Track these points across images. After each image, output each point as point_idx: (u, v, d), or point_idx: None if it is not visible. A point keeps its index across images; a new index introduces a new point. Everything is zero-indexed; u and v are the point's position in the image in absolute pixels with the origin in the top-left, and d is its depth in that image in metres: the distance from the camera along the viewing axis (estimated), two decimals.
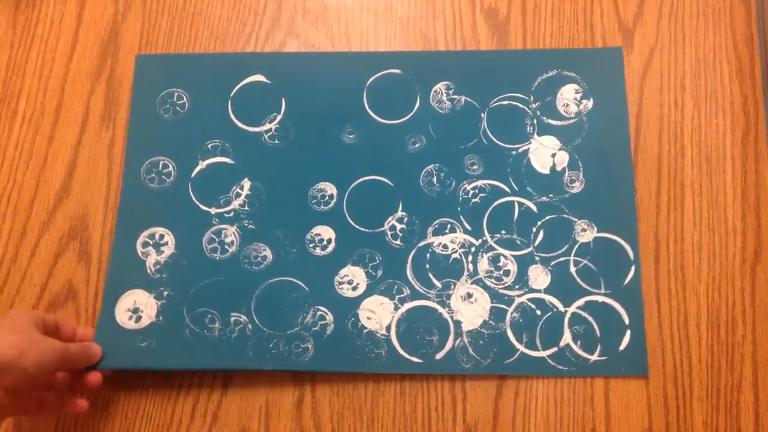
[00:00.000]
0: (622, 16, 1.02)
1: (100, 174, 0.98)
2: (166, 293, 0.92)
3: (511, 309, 0.91)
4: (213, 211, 0.96)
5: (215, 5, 1.04)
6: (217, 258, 0.94)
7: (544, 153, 0.97)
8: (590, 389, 0.89)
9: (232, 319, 0.91)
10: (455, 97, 0.99)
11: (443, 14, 1.03)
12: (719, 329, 0.90)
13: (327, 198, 0.96)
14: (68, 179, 0.97)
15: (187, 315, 0.91)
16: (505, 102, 0.99)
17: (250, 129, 0.99)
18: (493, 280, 0.92)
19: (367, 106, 0.99)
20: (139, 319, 0.91)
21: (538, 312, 0.91)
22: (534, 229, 0.94)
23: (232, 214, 0.96)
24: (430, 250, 0.94)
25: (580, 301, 0.91)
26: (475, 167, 0.96)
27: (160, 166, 0.98)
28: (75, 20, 1.04)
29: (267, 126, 0.99)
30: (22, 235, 0.95)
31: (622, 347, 0.89)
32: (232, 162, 0.98)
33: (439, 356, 0.90)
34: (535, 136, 0.97)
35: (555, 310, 0.91)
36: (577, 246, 0.93)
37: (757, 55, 1.00)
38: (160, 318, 0.91)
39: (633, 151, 0.96)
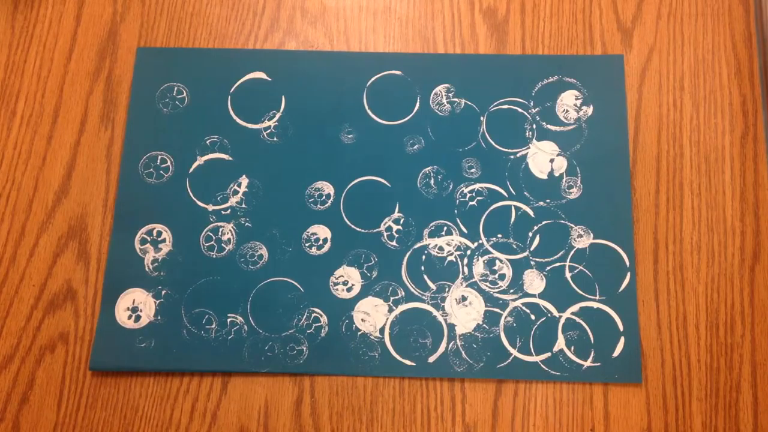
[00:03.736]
0: (620, 16, 1.02)
1: (99, 174, 0.97)
2: (164, 292, 0.92)
3: (505, 313, 0.91)
4: (210, 208, 0.96)
5: (214, 5, 1.04)
6: (214, 256, 0.94)
7: (543, 158, 0.97)
8: (589, 389, 0.89)
9: (228, 320, 0.91)
10: (455, 99, 0.99)
11: (442, 14, 1.03)
12: (718, 329, 0.90)
13: (324, 197, 0.96)
14: (67, 179, 0.97)
15: (185, 315, 0.91)
16: (505, 106, 0.99)
17: (249, 126, 0.99)
18: (488, 283, 0.92)
19: (366, 106, 0.99)
20: (138, 318, 0.91)
21: (533, 317, 0.91)
22: (530, 234, 0.94)
23: (229, 211, 0.96)
24: (425, 251, 0.94)
25: (575, 307, 0.91)
26: (473, 170, 0.96)
27: (158, 161, 0.98)
28: (73, 20, 1.04)
29: (266, 123, 0.99)
30: (21, 236, 0.95)
31: (615, 354, 0.89)
32: (230, 159, 0.98)
33: (432, 359, 0.90)
34: (534, 141, 0.97)
35: (549, 315, 0.91)
36: (573, 252, 0.93)
37: (755, 56, 1.00)
38: (159, 317, 0.91)
39: (632, 151, 0.96)
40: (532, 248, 0.93)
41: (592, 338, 0.90)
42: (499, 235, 0.94)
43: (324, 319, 0.91)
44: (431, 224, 0.94)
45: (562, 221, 0.94)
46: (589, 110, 0.98)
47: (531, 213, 0.94)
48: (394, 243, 0.94)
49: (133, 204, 0.96)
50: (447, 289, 0.92)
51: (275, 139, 0.98)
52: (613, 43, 1.01)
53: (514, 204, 0.95)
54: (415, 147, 0.97)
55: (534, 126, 0.98)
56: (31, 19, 1.04)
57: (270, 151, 0.98)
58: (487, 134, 0.97)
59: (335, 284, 0.93)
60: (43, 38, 1.03)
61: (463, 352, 0.90)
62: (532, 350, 0.90)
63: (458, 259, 0.93)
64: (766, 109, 0.98)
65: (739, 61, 1.00)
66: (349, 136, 0.98)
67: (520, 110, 0.98)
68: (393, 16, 1.04)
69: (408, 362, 0.90)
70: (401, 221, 0.95)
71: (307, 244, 0.94)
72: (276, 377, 0.90)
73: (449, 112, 0.99)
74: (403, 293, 0.92)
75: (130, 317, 0.91)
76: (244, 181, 0.97)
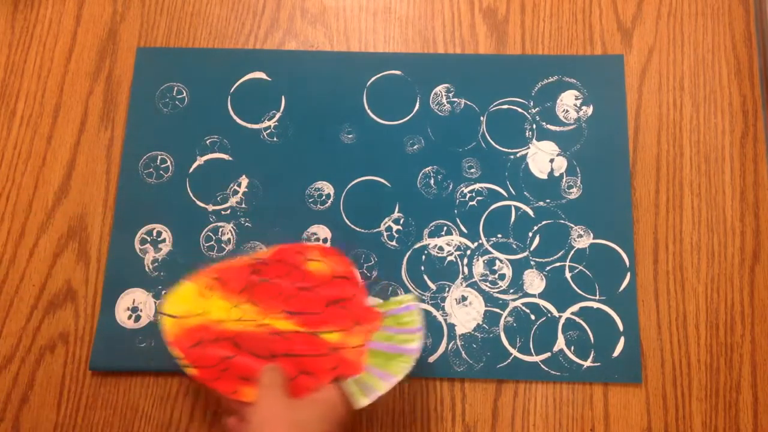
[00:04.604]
0: (620, 16, 1.02)
1: (99, 174, 0.97)
2: (164, 292, 0.92)
3: (505, 313, 0.91)
4: (210, 208, 0.96)
5: (214, 5, 1.04)
6: (214, 256, 0.94)
7: (543, 158, 0.97)
8: (589, 389, 0.89)
9: None
10: (455, 99, 0.99)
11: (442, 14, 1.03)
12: (718, 329, 0.90)
13: (324, 197, 0.96)
14: (67, 179, 0.97)
15: None
16: (505, 106, 0.99)
17: (249, 126, 0.99)
18: (487, 283, 0.92)
19: (366, 106, 0.99)
20: (138, 318, 0.91)
21: (533, 317, 0.91)
22: (530, 234, 0.94)
23: (228, 211, 0.96)
24: (425, 251, 0.94)
25: (575, 307, 0.91)
26: (472, 170, 0.96)
27: (158, 161, 0.98)
28: (73, 21, 1.04)
29: (266, 123, 0.99)
30: (21, 236, 0.95)
31: (615, 354, 0.89)
32: (230, 159, 0.98)
33: (432, 359, 0.90)
34: (534, 141, 0.97)
35: (549, 315, 0.91)
36: (573, 252, 0.93)
37: (755, 55, 1.00)
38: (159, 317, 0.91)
39: (632, 151, 0.96)
40: (532, 248, 0.93)
41: (592, 338, 0.90)
42: (499, 235, 0.94)
43: None
44: (431, 224, 0.94)
45: (562, 221, 0.94)
46: (589, 110, 0.98)
47: (531, 213, 0.94)
48: (394, 243, 0.94)
49: (133, 204, 0.96)
50: (447, 289, 0.92)
51: (275, 139, 0.98)
52: (613, 43, 1.01)
53: (514, 204, 0.95)
54: (415, 147, 0.97)
55: (534, 126, 0.98)
56: (31, 19, 1.04)
57: (270, 151, 0.98)
58: (487, 134, 0.97)
59: None
60: (43, 38, 1.03)
61: (463, 352, 0.90)
62: (532, 350, 0.90)
63: (458, 259, 0.93)
64: (766, 109, 0.98)
65: (739, 60, 1.00)
66: (349, 136, 0.98)
67: (520, 110, 0.98)
68: (393, 16, 1.04)
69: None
70: (401, 221, 0.94)
71: None
72: None
73: (449, 112, 0.99)
74: (403, 293, 0.92)
75: (130, 317, 0.91)
76: (244, 181, 0.97)
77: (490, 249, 0.93)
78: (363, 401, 0.79)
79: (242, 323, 0.84)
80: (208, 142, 0.98)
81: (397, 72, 1.00)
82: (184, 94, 1.00)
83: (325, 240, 0.94)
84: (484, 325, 0.91)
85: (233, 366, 0.81)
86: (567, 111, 0.98)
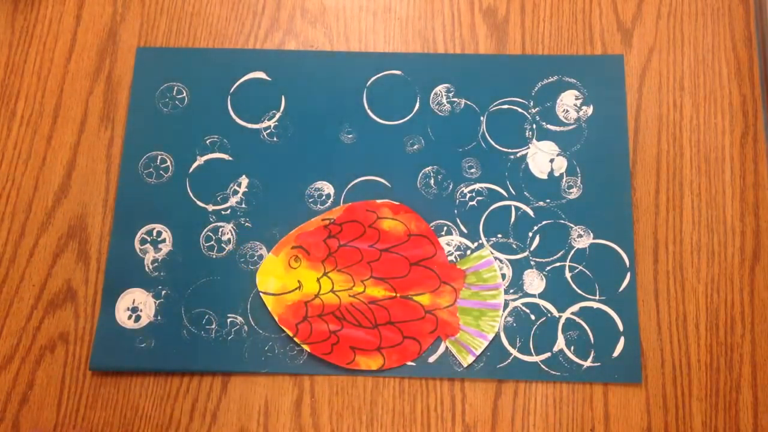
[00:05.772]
0: (620, 16, 1.02)
1: (99, 174, 0.97)
2: (164, 292, 0.92)
3: (505, 313, 0.91)
4: (210, 208, 0.96)
5: (214, 5, 1.04)
6: (214, 256, 0.94)
7: (543, 158, 0.96)
8: (589, 389, 0.89)
9: (228, 320, 0.91)
10: (455, 99, 0.99)
11: (442, 14, 1.03)
12: (718, 329, 0.90)
13: (324, 197, 0.96)
14: (67, 179, 0.97)
15: (185, 315, 0.91)
16: (505, 106, 0.98)
17: (249, 126, 0.99)
18: None
19: (366, 106, 0.99)
20: (138, 318, 0.91)
21: (533, 317, 0.91)
22: (530, 234, 0.94)
23: (228, 211, 0.95)
24: None
25: (575, 307, 0.91)
26: (473, 170, 0.96)
27: (158, 161, 0.97)
28: (73, 20, 1.04)
29: (266, 123, 0.99)
30: (21, 236, 0.95)
31: (615, 354, 0.89)
32: (230, 159, 0.98)
33: (432, 359, 0.90)
34: (534, 141, 0.97)
35: (549, 315, 0.91)
36: (573, 252, 0.93)
37: (755, 56, 0.99)
38: (159, 318, 0.91)
39: (632, 151, 0.96)
40: (532, 248, 0.93)
41: (592, 338, 0.89)
42: (499, 235, 0.94)
43: None
44: (431, 224, 0.94)
45: (562, 221, 0.94)
46: (589, 110, 0.98)
47: (531, 213, 0.94)
48: None
49: (133, 204, 0.96)
50: None
51: (275, 139, 0.98)
52: (613, 43, 1.01)
53: (514, 204, 0.95)
54: (415, 147, 0.97)
55: (534, 126, 0.98)
56: (31, 19, 1.04)
57: (270, 151, 0.98)
58: (487, 134, 0.97)
59: None
60: (43, 38, 1.03)
61: None
62: (532, 350, 0.90)
63: (458, 259, 0.93)
64: (766, 109, 0.98)
65: (739, 60, 1.00)
66: (349, 136, 0.98)
67: (520, 110, 0.98)
68: (393, 16, 1.04)
69: (408, 362, 0.90)
70: None
71: None
72: (276, 377, 0.90)
73: (449, 112, 0.98)
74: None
75: (130, 317, 0.91)
76: (244, 181, 0.96)
77: (490, 249, 0.93)
78: (468, 359, 0.89)
79: (337, 294, 0.92)
80: (208, 142, 0.98)
81: (397, 72, 1.00)
82: (184, 94, 1.00)
83: None
84: None
85: (343, 338, 0.90)
86: (567, 111, 0.98)
